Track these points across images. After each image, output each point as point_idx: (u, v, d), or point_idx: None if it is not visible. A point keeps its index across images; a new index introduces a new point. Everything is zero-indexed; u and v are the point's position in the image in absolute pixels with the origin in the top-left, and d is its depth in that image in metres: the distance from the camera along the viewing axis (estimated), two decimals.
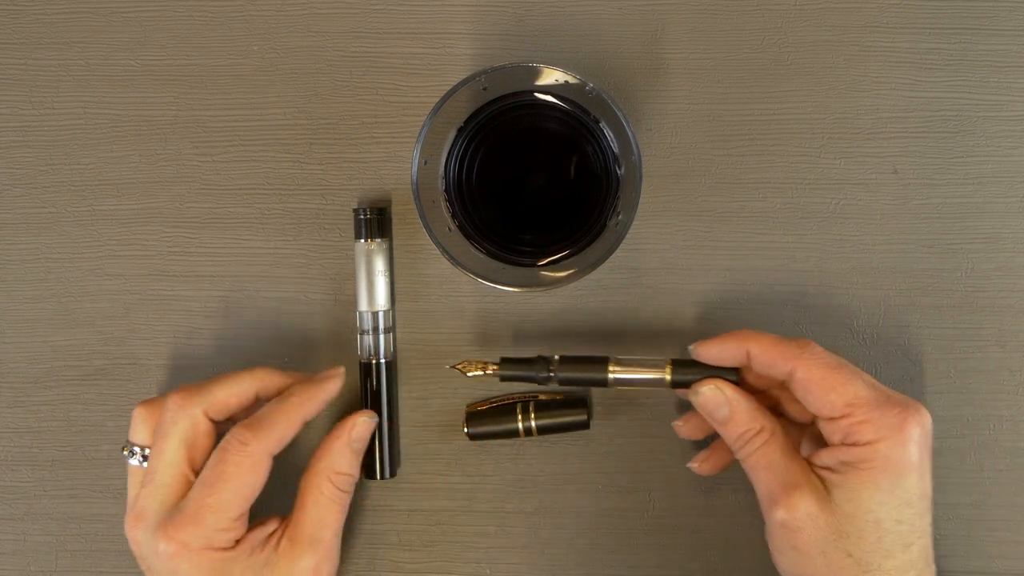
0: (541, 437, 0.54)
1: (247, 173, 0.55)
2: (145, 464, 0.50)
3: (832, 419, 0.46)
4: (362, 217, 0.53)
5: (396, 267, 0.55)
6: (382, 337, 0.53)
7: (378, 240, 0.53)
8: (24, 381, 0.55)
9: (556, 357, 0.51)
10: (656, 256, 0.55)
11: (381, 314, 0.54)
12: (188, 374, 0.55)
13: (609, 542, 0.54)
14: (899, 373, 0.54)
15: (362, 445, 0.52)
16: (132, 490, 0.50)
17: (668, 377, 0.50)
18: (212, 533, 0.47)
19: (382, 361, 0.53)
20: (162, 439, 0.49)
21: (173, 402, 0.49)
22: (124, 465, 0.54)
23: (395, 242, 0.55)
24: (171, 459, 0.48)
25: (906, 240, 0.54)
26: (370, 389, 0.53)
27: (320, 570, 0.49)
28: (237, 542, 0.48)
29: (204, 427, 0.49)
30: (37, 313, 0.55)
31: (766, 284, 0.54)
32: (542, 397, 0.54)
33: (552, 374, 0.51)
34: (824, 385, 0.46)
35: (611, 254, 0.47)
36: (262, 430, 0.48)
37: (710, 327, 0.54)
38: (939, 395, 0.54)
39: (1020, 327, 0.54)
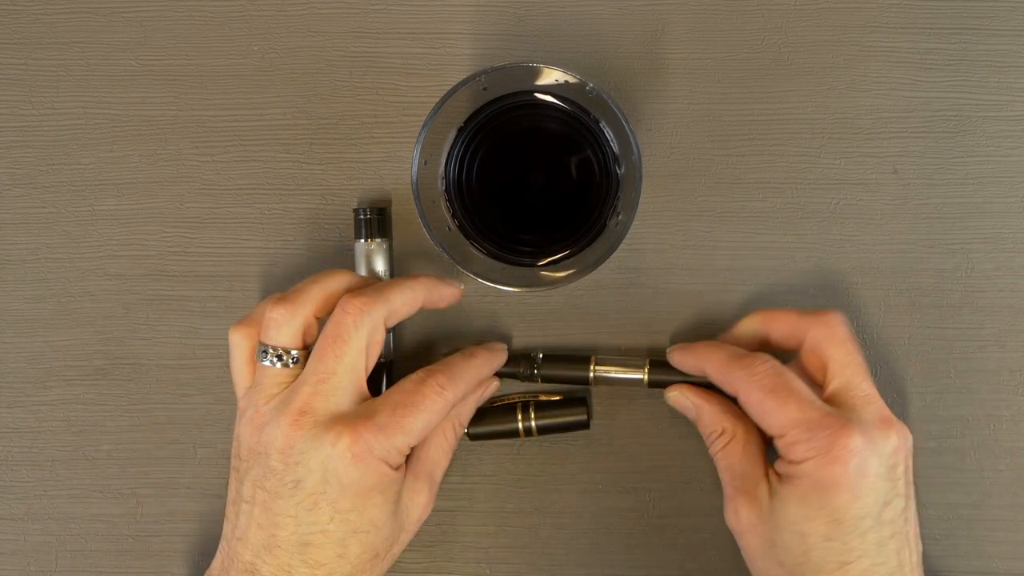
0: (541, 437, 0.54)
1: (247, 173, 0.55)
2: (286, 366, 0.48)
3: (773, 437, 0.48)
4: (362, 217, 0.53)
5: (396, 267, 0.55)
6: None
7: (378, 240, 0.53)
8: (24, 381, 0.55)
9: (540, 355, 0.53)
10: (656, 256, 0.55)
11: None
12: (188, 374, 0.55)
13: (609, 542, 0.54)
14: (899, 373, 0.54)
15: (483, 402, 0.54)
16: (289, 394, 0.47)
17: (646, 377, 0.53)
18: (394, 452, 0.47)
19: (382, 360, 0.53)
20: (343, 342, 0.47)
21: (353, 306, 0.47)
22: (123, 464, 0.54)
23: (395, 242, 0.55)
24: (352, 363, 0.47)
25: (906, 240, 0.54)
26: (370, 389, 0.53)
27: (428, 508, 0.51)
28: (401, 467, 0.49)
29: (380, 335, 0.48)
30: (37, 313, 0.55)
31: (766, 284, 0.54)
32: (542, 397, 0.54)
33: (536, 371, 0.53)
34: (760, 409, 0.48)
35: (611, 254, 0.47)
36: (456, 381, 0.49)
37: (710, 327, 0.54)
38: (939, 395, 0.54)
39: (1020, 327, 0.54)
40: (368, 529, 0.47)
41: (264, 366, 0.48)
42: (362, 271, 0.53)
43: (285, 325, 0.48)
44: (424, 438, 0.49)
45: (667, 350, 0.52)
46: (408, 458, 0.50)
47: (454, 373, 0.50)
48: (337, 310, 0.48)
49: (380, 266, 0.53)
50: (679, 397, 0.52)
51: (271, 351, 0.48)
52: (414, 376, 0.49)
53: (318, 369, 0.47)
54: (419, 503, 0.50)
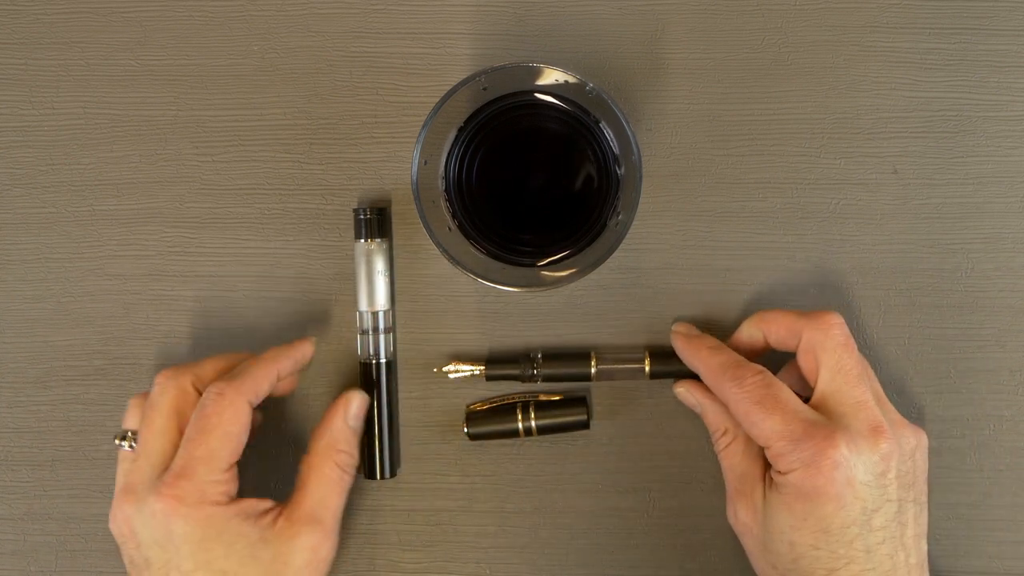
0: (541, 437, 0.54)
1: (247, 173, 0.55)
2: (131, 447, 0.50)
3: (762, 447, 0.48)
4: (362, 217, 0.53)
5: (396, 267, 0.55)
6: (382, 337, 0.53)
7: (378, 240, 0.53)
8: (24, 381, 0.55)
9: (539, 355, 0.53)
10: (656, 256, 0.55)
11: (381, 314, 0.54)
12: None
13: (609, 542, 0.54)
14: (899, 373, 0.54)
15: (358, 423, 0.52)
16: (121, 477, 0.50)
17: (647, 368, 0.53)
18: (205, 485, 0.47)
19: (382, 361, 0.53)
20: (152, 411, 0.49)
21: (162, 376, 0.50)
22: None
23: (395, 242, 0.55)
24: (161, 427, 0.48)
25: (906, 240, 0.54)
26: (371, 389, 0.53)
27: (319, 551, 0.48)
28: (230, 500, 0.48)
29: (192, 397, 0.49)
30: (37, 313, 0.55)
31: (766, 284, 0.54)
32: (542, 397, 0.54)
33: (536, 371, 0.53)
34: (747, 420, 0.48)
35: (611, 254, 0.47)
36: (236, 379, 0.49)
37: (710, 327, 0.54)
38: (939, 395, 0.54)
39: (1020, 327, 0.54)
40: None
41: (121, 450, 0.51)
42: (362, 271, 0.53)
43: (134, 408, 0.51)
44: (302, 478, 0.49)
45: (672, 327, 0.53)
46: (287, 502, 0.49)
47: (235, 374, 0.49)
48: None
49: (380, 265, 0.53)
50: (686, 394, 0.53)
51: (127, 433, 0.50)
52: (200, 399, 0.49)
53: (138, 444, 0.49)
54: (300, 546, 0.48)
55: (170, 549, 0.46)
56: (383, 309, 0.54)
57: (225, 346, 0.55)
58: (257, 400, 0.49)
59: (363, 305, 0.53)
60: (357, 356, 0.54)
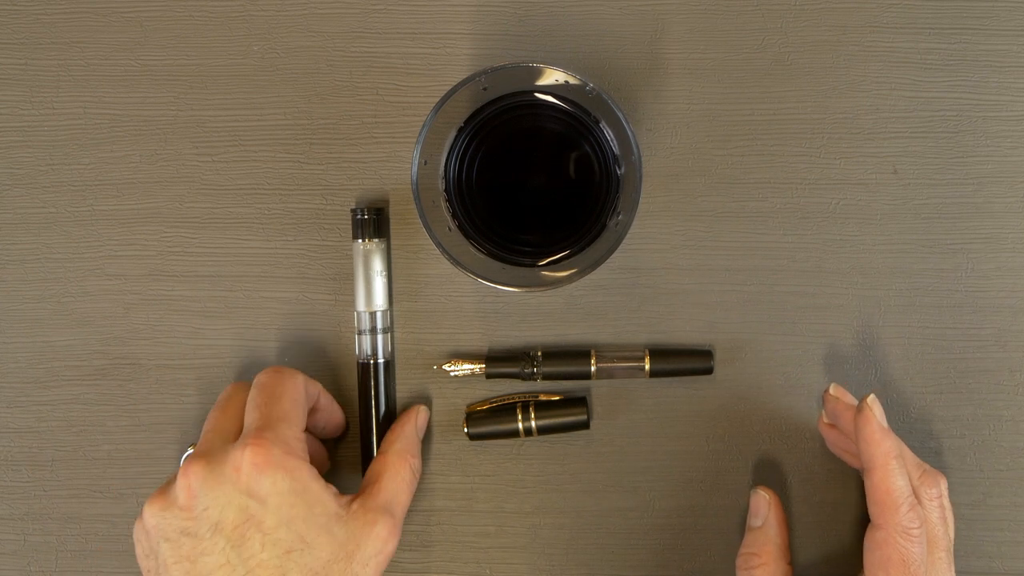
0: (541, 437, 0.54)
1: (247, 173, 0.55)
2: None
3: None
4: (359, 217, 0.53)
5: (396, 267, 0.55)
6: (380, 337, 0.54)
7: (376, 240, 0.53)
8: (24, 381, 0.55)
9: (539, 353, 0.53)
10: (656, 256, 0.55)
11: (379, 314, 0.54)
12: (188, 374, 0.55)
13: (609, 542, 0.54)
14: (899, 373, 0.54)
15: (423, 433, 0.54)
16: (184, 460, 0.49)
17: (647, 367, 0.53)
18: (289, 440, 0.47)
19: (380, 361, 0.53)
20: (224, 400, 0.51)
21: (233, 384, 0.52)
22: (124, 464, 0.54)
23: (395, 242, 0.55)
24: (233, 413, 0.50)
25: (906, 240, 0.54)
26: (369, 389, 0.53)
27: (388, 543, 0.48)
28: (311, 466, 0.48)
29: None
30: (37, 313, 0.55)
31: (766, 284, 0.54)
32: (542, 397, 0.54)
33: (536, 370, 0.53)
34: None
35: (611, 254, 0.47)
36: (285, 368, 0.51)
37: (710, 327, 0.54)
38: (939, 395, 0.54)
39: (1020, 327, 0.54)
40: (300, 547, 0.45)
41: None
42: (360, 271, 0.53)
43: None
44: (375, 475, 0.50)
45: (829, 390, 0.52)
46: (361, 493, 0.49)
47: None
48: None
49: (378, 265, 0.53)
50: (761, 500, 0.52)
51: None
52: (256, 378, 0.50)
53: (205, 430, 0.49)
54: (375, 534, 0.47)
55: (253, 505, 0.45)
56: (381, 309, 0.54)
57: (225, 346, 0.55)
58: (304, 390, 0.50)
59: (361, 305, 0.53)
60: (356, 356, 0.54)
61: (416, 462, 0.52)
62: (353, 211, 0.54)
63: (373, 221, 0.53)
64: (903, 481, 0.47)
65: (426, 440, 0.55)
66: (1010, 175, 0.54)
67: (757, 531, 0.52)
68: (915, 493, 0.47)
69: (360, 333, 0.54)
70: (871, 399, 0.48)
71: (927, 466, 0.49)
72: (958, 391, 0.54)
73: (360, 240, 0.53)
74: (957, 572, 0.51)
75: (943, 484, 0.49)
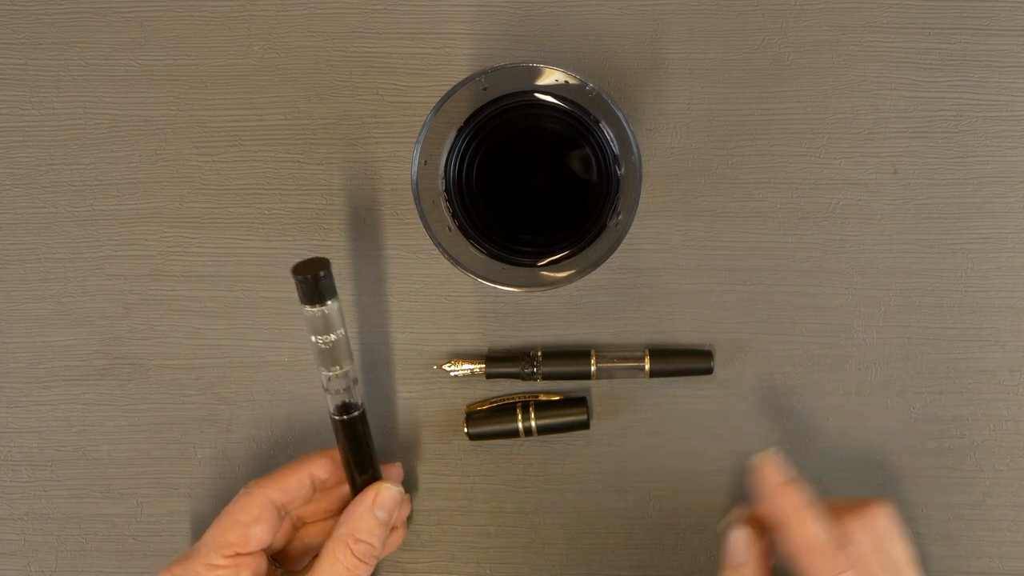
0: (541, 437, 0.54)
1: (247, 173, 0.55)
2: None
3: None
4: (301, 280, 0.47)
5: (396, 267, 0.55)
6: (347, 394, 0.49)
7: (328, 303, 0.47)
8: (24, 381, 0.55)
9: (539, 353, 0.53)
10: (656, 256, 0.55)
11: (343, 373, 0.49)
12: (188, 374, 0.55)
13: (609, 542, 0.54)
14: (899, 373, 0.54)
15: (387, 516, 0.49)
16: None
17: (647, 367, 0.53)
18: (200, 567, 0.48)
19: (355, 415, 0.50)
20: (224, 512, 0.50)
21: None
22: (124, 464, 0.54)
23: (395, 242, 0.55)
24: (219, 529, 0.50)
25: (906, 240, 0.54)
26: (345, 445, 0.50)
27: None
28: None
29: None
30: (37, 313, 0.55)
31: (766, 284, 0.54)
32: (542, 397, 0.54)
33: (536, 369, 0.53)
34: None
35: (611, 254, 0.47)
36: (266, 478, 0.50)
37: (710, 327, 0.54)
38: (939, 395, 0.54)
39: (1020, 327, 0.54)
40: None
41: None
42: (315, 338, 0.48)
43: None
44: (316, 563, 0.48)
45: (760, 455, 0.48)
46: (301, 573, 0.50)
47: (268, 474, 0.50)
48: None
49: (334, 329, 0.48)
50: (739, 539, 0.48)
51: None
52: None
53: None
54: None
55: None
56: (344, 370, 0.49)
57: (225, 347, 0.55)
58: (283, 499, 0.49)
59: (324, 369, 0.49)
60: (328, 413, 0.50)
61: (361, 547, 0.48)
62: (293, 273, 0.47)
63: (320, 283, 0.47)
64: (818, 528, 0.45)
65: (426, 440, 0.55)
66: (1010, 175, 0.54)
67: (740, 567, 0.48)
68: (842, 534, 0.46)
69: (327, 392, 0.49)
70: (764, 455, 0.47)
71: (857, 499, 0.47)
72: (958, 391, 0.54)
73: (309, 307, 0.47)
74: (957, 572, 0.52)
75: (879, 509, 0.47)
